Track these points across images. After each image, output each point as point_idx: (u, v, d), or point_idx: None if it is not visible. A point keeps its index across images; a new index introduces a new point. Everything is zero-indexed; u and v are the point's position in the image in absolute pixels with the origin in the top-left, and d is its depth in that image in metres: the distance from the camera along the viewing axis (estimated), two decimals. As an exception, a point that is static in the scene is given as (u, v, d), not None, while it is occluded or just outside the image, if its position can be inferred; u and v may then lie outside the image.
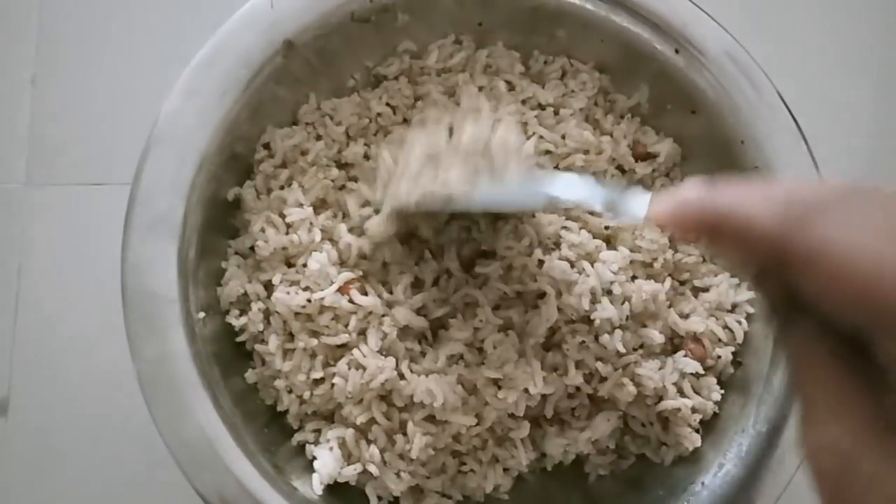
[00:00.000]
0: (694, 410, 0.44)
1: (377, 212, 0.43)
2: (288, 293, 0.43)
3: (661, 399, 0.44)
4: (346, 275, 0.42)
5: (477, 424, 0.43)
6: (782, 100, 0.46)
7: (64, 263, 0.54)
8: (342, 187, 0.47)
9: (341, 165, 0.48)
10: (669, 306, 0.46)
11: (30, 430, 0.53)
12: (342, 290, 0.42)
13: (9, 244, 0.55)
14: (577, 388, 0.44)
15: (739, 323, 0.46)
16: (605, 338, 0.42)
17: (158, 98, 0.43)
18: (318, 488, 0.41)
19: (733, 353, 0.45)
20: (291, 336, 0.44)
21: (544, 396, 0.43)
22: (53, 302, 0.54)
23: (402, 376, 0.42)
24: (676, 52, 0.47)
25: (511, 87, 0.49)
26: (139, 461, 0.51)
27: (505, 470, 0.45)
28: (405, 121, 0.48)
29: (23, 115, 0.56)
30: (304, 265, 0.43)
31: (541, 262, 0.44)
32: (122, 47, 0.57)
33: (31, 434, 0.53)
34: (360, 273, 0.44)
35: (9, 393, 0.53)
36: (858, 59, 0.61)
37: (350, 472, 0.42)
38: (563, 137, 0.48)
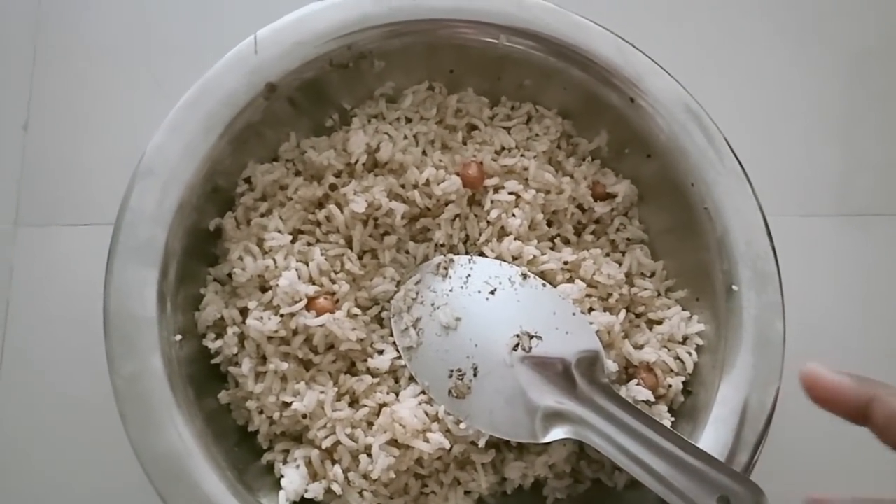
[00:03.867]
0: (645, 436, 0.46)
1: None
2: (261, 319, 0.45)
3: (614, 425, 0.46)
4: (314, 288, 0.45)
5: (440, 449, 0.45)
6: (729, 145, 0.49)
7: (51, 300, 0.56)
8: (318, 224, 0.50)
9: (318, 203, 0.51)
10: (624, 337, 0.49)
11: (14, 462, 0.54)
12: (310, 305, 0.45)
13: (-2, 281, 0.57)
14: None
15: (690, 354, 0.48)
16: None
17: (145, 143, 0.45)
18: (283, 505, 0.43)
19: (684, 383, 0.48)
20: (264, 359, 0.46)
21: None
22: (40, 337, 0.56)
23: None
24: (632, 100, 0.51)
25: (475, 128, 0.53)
26: (123, 493, 0.51)
27: (466, 493, 0.47)
28: (376, 165, 0.51)
29: (14, 158, 0.59)
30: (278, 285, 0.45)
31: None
32: (111, 95, 0.61)
33: (17, 465, 0.54)
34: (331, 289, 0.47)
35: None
36: (816, 104, 0.65)
37: (315, 489, 0.43)
38: (527, 180, 0.51)
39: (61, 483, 0.53)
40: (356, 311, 0.48)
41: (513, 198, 0.50)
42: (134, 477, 0.41)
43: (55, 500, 0.53)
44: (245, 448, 0.46)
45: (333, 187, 0.49)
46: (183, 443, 0.41)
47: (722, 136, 0.49)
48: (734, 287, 0.47)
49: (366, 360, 0.47)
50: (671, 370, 0.48)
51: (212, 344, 0.46)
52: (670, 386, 0.47)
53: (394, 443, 0.44)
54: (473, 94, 0.55)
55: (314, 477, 0.45)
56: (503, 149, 0.53)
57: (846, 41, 0.66)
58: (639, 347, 0.49)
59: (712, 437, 0.44)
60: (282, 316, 0.45)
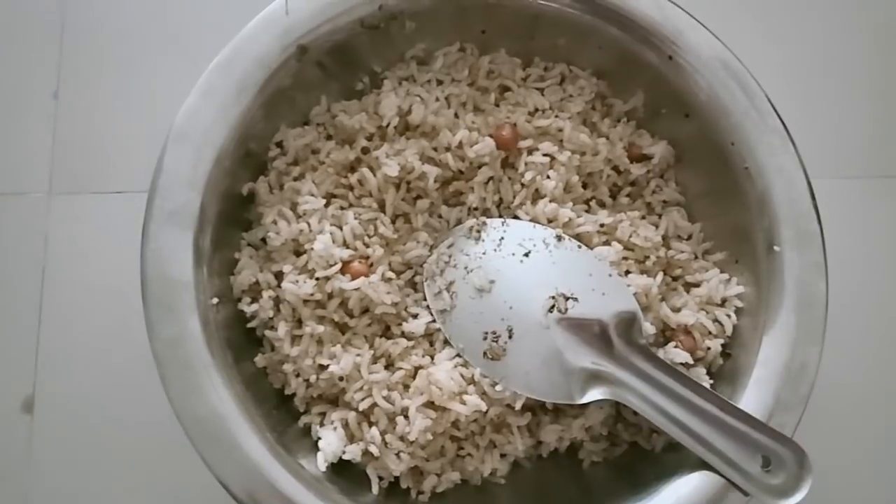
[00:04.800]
0: (684, 399, 0.45)
1: None
2: (296, 282, 0.45)
3: (652, 388, 0.46)
4: (348, 252, 0.45)
5: (476, 411, 0.45)
6: (771, 104, 0.48)
7: (85, 267, 0.57)
8: (351, 188, 0.49)
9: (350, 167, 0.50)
10: (662, 300, 0.48)
11: (55, 427, 0.55)
12: (345, 268, 0.45)
13: (33, 249, 0.57)
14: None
15: (729, 316, 0.47)
16: (594, 328, 0.45)
17: (176, 110, 0.45)
18: (322, 466, 0.43)
19: (722, 346, 0.47)
20: (300, 323, 0.46)
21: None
22: (75, 303, 0.57)
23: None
24: (670, 58, 0.49)
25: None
26: (161, 455, 0.53)
27: (502, 456, 0.47)
28: (407, 128, 0.50)
29: (46, 127, 0.59)
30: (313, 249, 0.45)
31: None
32: (140, 61, 0.61)
33: (57, 431, 0.55)
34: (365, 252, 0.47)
35: (34, 391, 0.55)
36: (850, 65, 0.63)
37: (353, 451, 0.44)
38: (562, 142, 0.51)
39: (100, 446, 0.54)
40: (390, 274, 0.47)
41: (547, 160, 0.49)
42: (173, 439, 0.42)
43: (94, 462, 0.54)
44: (283, 411, 0.47)
45: (365, 151, 0.49)
46: (223, 405, 0.42)
47: (764, 94, 0.48)
48: (776, 247, 0.45)
49: (401, 324, 0.47)
50: (710, 333, 0.47)
51: (247, 308, 0.47)
52: (709, 348, 0.47)
53: (430, 405, 0.45)
54: (506, 54, 0.53)
55: (351, 439, 0.45)
56: (537, 110, 0.52)
57: (880, 4, 0.64)
58: (676, 310, 0.48)
59: (753, 398, 0.44)
60: (317, 279, 0.45)
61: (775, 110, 0.48)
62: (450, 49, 0.53)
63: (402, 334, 0.47)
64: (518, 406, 0.45)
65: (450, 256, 0.48)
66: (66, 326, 0.56)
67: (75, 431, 0.55)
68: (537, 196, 0.50)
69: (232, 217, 0.48)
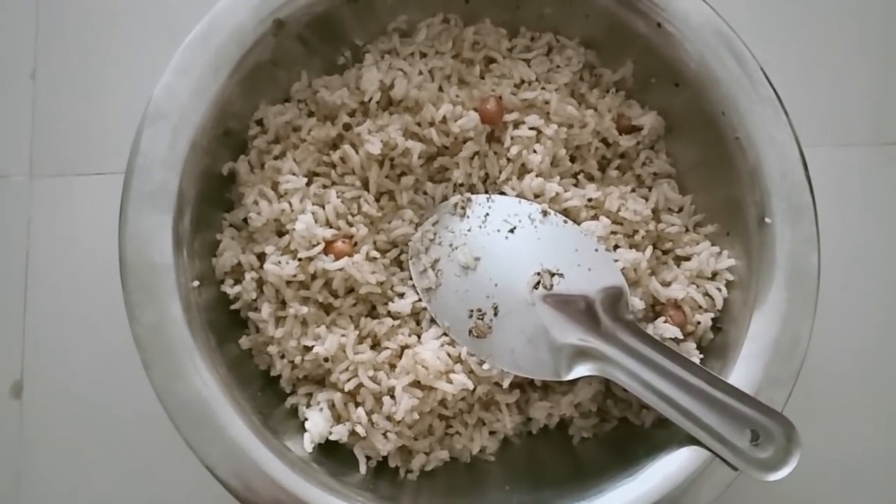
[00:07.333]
0: (673, 374, 0.45)
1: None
2: (279, 263, 0.44)
3: (641, 363, 0.45)
4: (331, 231, 0.44)
5: (463, 389, 0.44)
6: (763, 72, 0.46)
7: (70, 250, 0.56)
8: (333, 165, 0.48)
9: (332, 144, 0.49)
10: (651, 274, 0.47)
11: (45, 411, 0.55)
12: (328, 248, 0.44)
13: (16, 233, 0.57)
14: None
15: (719, 290, 0.47)
16: (581, 303, 0.44)
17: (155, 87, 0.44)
18: (308, 447, 0.43)
19: (713, 320, 0.47)
20: (284, 304, 0.45)
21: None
22: (61, 287, 0.56)
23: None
24: (659, 25, 0.48)
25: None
26: (151, 437, 0.52)
27: (491, 433, 0.47)
28: (390, 103, 0.49)
29: (24, 109, 0.58)
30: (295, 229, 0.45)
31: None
32: (119, 38, 0.59)
33: (47, 415, 0.55)
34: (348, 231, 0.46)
35: (22, 376, 0.55)
36: (850, 31, 0.61)
37: (340, 431, 0.43)
38: (548, 114, 0.49)
39: (91, 430, 0.54)
40: (375, 254, 0.47)
41: (534, 133, 0.48)
42: (162, 422, 0.41)
43: (84, 446, 0.54)
44: (269, 393, 0.47)
45: (347, 127, 0.48)
46: (207, 388, 0.41)
47: (756, 62, 0.47)
48: (767, 219, 0.45)
49: (386, 304, 0.47)
50: (700, 307, 0.47)
51: (230, 290, 0.46)
52: (699, 323, 0.46)
53: (417, 384, 0.44)
54: (491, 25, 0.52)
55: (338, 419, 0.45)
56: (523, 82, 0.51)
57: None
58: (666, 284, 0.47)
59: (743, 373, 0.43)
60: (300, 260, 0.45)
61: (768, 79, 0.46)
62: (433, 20, 0.51)
63: (388, 314, 0.47)
64: (506, 384, 0.45)
65: (435, 234, 0.47)
66: (53, 310, 0.56)
67: (65, 415, 0.55)
68: (523, 171, 0.49)
69: (212, 198, 0.47)
